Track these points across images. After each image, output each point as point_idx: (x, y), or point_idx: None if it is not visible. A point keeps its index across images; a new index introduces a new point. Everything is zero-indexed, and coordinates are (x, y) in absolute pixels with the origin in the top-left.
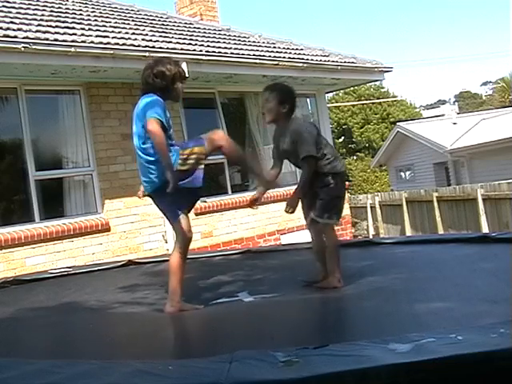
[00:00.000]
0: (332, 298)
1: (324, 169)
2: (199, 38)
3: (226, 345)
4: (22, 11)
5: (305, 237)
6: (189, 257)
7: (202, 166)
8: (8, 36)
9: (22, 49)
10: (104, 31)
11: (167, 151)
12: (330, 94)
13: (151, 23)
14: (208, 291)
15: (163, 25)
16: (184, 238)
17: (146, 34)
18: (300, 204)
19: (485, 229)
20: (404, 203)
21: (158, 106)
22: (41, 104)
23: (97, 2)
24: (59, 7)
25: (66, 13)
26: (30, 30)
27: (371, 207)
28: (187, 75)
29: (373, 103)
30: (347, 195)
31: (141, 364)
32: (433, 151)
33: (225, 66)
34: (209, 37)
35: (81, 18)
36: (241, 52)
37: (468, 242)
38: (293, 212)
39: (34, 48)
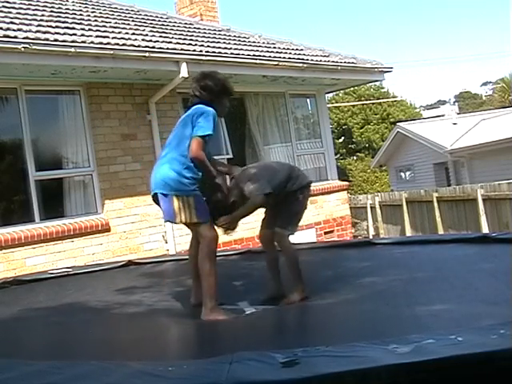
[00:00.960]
0: (332, 302)
1: (293, 187)
2: (199, 38)
3: (226, 347)
4: (22, 11)
5: (304, 237)
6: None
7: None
8: (8, 36)
9: (22, 49)
10: (104, 31)
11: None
12: (330, 95)
13: (151, 23)
14: None
15: (163, 25)
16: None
17: (146, 35)
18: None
19: (485, 229)
20: (404, 203)
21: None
22: (41, 104)
23: (97, 2)
24: (59, 7)
25: (65, 13)
26: (30, 31)
27: (371, 207)
28: (234, 91)
29: (373, 103)
30: (347, 195)
31: (141, 365)
32: (433, 151)
33: (225, 66)
34: (209, 37)
35: (81, 19)
36: (241, 52)
37: (468, 242)
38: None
39: (34, 48)
